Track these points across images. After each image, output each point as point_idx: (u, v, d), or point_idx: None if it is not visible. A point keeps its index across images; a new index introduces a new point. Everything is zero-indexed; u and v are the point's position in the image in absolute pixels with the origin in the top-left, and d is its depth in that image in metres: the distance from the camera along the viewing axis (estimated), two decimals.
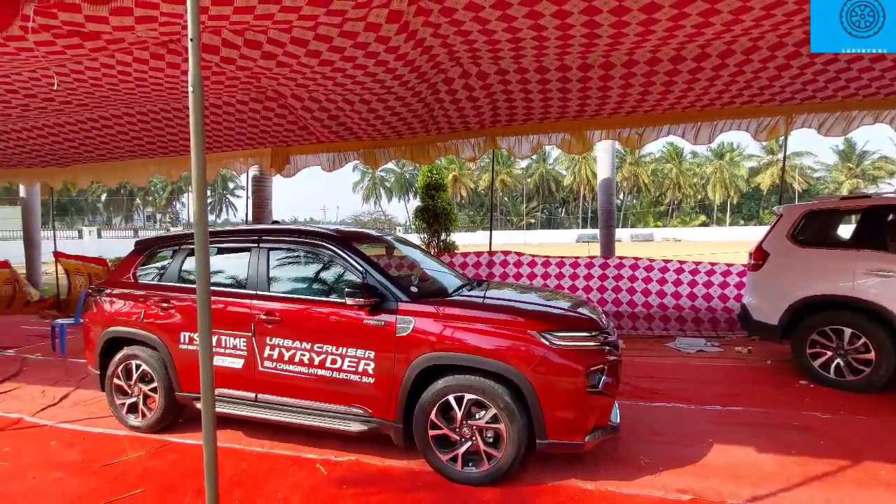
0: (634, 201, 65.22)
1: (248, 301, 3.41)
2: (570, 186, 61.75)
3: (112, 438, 3.62)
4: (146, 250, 4.11)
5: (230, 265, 3.71)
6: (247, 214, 9.43)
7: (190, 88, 1.88)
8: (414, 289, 3.24)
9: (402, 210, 67.12)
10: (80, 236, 33.82)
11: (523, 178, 63.81)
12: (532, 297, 3.56)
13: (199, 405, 3.45)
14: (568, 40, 3.93)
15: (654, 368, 5.11)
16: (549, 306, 3.27)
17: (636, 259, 7.08)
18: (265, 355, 3.31)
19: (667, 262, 6.95)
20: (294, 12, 3.27)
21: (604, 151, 8.67)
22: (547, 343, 2.78)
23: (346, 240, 3.45)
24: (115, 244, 27.66)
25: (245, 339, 3.37)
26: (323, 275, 3.55)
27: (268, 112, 5.92)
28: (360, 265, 3.24)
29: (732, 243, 29.64)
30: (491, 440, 2.86)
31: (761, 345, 5.85)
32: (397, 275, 4.23)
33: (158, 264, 4.03)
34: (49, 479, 3.03)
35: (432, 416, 2.91)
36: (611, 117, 6.07)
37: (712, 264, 6.81)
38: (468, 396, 2.85)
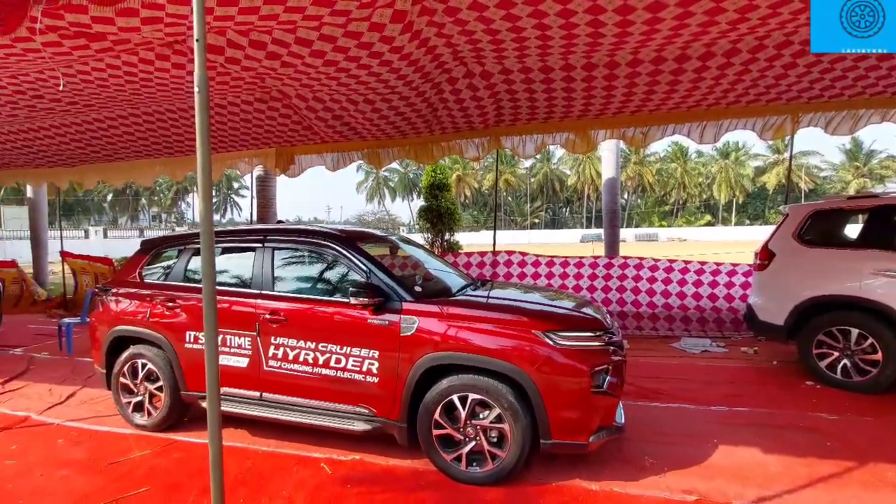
0: (639, 201, 64.99)
1: (252, 300, 3.42)
2: (574, 186, 61.62)
3: (118, 437, 3.65)
4: (152, 250, 4.13)
5: (235, 265, 3.73)
6: (251, 214, 9.46)
7: (196, 89, 1.89)
8: (418, 288, 3.24)
9: (405, 210, 67.18)
10: (87, 236, 34.05)
11: (527, 177, 63.74)
12: (536, 297, 3.55)
13: (204, 404, 3.46)
14: (572, 39, 3.92)
15: (658, 369, 5.09)
16: (554, 306, 3.26)
17: (641, 259, 7.06)
18: (270, 354, 3.32)
19: (672, 261, 6.92)
20: (298, 13, 3.28)
21: (608, 151, 8.64)
22: (551, 343, 2.77)
23: (351, 239, 3.46)
24: (120, 244, 27.82)
25: (250, 339, 3.38)
26: (327, 274, 3.56)
27: (272, 112, 5.94)
28: (365, 265, 3.24)
29: (738, 243, 29.49)
30: (495, 440, 2.86)
31: (767, 345, 5.82)
32: (401, 274, 4.23)
33: (164, 264, 4.05)
34: (56, 477, 3.05)
35: (436, 415, 2.91)
36: (615, 117, 6.05)
37: (717, 264, 6.77)
38: (472, 396, 2.84)
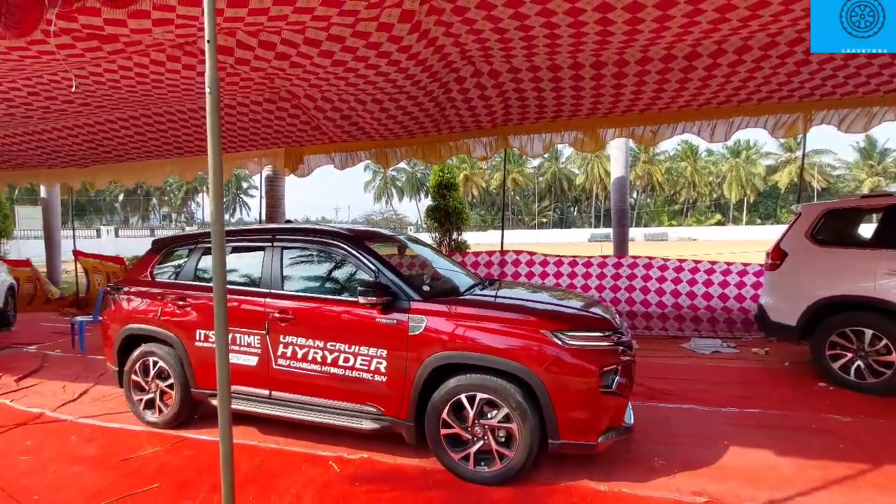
0: (648, 200, 64.52)
1: (262, 299, 3.44)
2: (582, 185, 61.33)
3: (130, 434, 3.69)
4: (163, 249, 4.17)
5: (244, 264, 3.75)
6: (260, 214, 9.53)
7: (207, 90, 1.91)
8: (426, 288, 3.24)
9: (413, 209, 67.35)
10: (99, 235, 34.50)
11: (535, 176, 63.54)
12: (544, 297, 3.54)
13: (214, 402, 3.50)
14: (581, 38, 3.90)
15: (668, 369, 5.05)
16: (562, 306, 3.25)
17: (650, 258, 7.01)
18: (279, 353, 3.34)
19: (681, 261, 6.87)
20: (307, 13, 3.30)
21: (617, 149, 8.58)
22: (560, 343, 2.76)
23: (359, 239, 3.47)
24: (131, 243, 28.15)
25: (259, 337, 3.40)
26: (336, 274, 3.57)
27: (281, 112, 5.98)
28: (373, 264, 3.25)
29: (749, 243, 29.16)
30: (503, 440, 2.86)
31: (779, 346, 5.74)
32: (409, 274, 4.24)
33: (175, 263, 4.09)
34: (69, 473, 3.10)
35: (444, 414, 2.91)
36: (624, 115, 6.01)
37: (728, 264, 6.71)
38: (480, 396, 2.84)
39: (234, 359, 3.42)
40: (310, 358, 3.25)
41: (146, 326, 3.83)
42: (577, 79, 4.91)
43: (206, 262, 3.86)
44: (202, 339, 3.59)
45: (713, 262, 6.78)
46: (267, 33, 3.71)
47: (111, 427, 3.82)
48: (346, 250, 3.38)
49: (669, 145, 69.56)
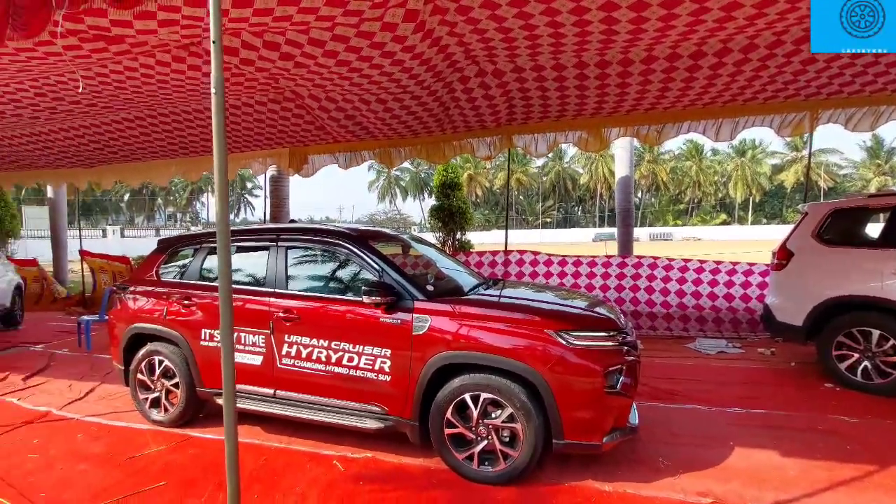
0: (653, 200, 64.27)
1: (266, 299, 3.46)
2: (586, 185, 61.17)
3: (135, 432, 3.72)
4: (168, 249, 4.20)
5: (249, 264, 3.77)
6: (265, 213, 9.56)
7: (212, 90, 1.92)
8: (430, 287, 3.24)
9: (416, 209, 67.29)
10: (104, 235, 34.74)
11: (539, 176, 63.43)
12: (548, 297, 3.53)
13: (219, 401, 3.52)
14: (586, 37, 3.89)
15: (673, 370, 5.03)
16: (567, 305, 3.24)
17: (655, 258, 6.98)
18: (283, 352, 3.35)
19: (686, 261, 6.84)
20: (312, 13, 3.31)
21: (622, 149, 8.56)
22: (564, 342, 2.75)
23: (363, 238, 3.48)
24: (137, 243, 28.36)
25: (264, 337, 3.42)
26: (340, 273, 3.58)
27: (285, 112, 5.99)
28: (377, 264, 3.26)
29: (754, 242, 29.00)
30: (507, 439, 2.85)
31: (785, 346, 5.71)
32: (413, 273, 4.24)
33: (180, 263, 4.12)
34: (76, 471, 3.12)
35: (448, 414, 2.91)
36: (629, 114, 6.00)
37: (734, 264, 6.67)
38: (484, 395, 2.84)
39: (239, 358, 3.44)
40: (314, 357, 3.26)
41: (152, 326, 3.85)
42: (582, 78, 4.89)
43: (211, 261, 3.88)
44: (207, 338, 3.61)
45: (718, 262, 6.75)
46: (271, 34, 3.72)
47: (117, 425, 3.85)
48: (350, 250, 3.39)
49: (674, 144, 69.41)
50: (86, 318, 6.54)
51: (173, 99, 5.39)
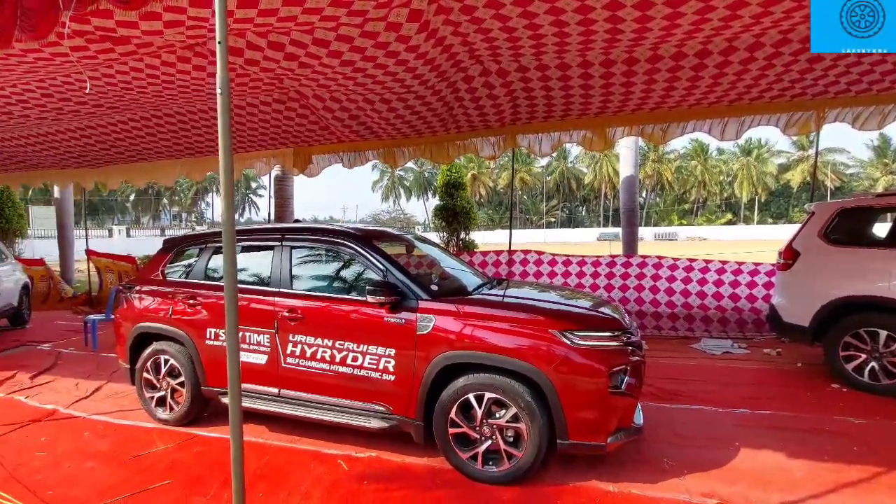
0: (657, 199, 64.01)
1: (271, 298, 3.47)
2: (590, 184, 60.99)
3: (141, 431, 3.74)
4: (174, 249, 4.22)
5: (254, 263, 3.78)
6: (269, 213, 9.59)
7: (218, 90, 1.92)
8: (434, 287, 3.24)
9: (420, 209, 67.37)
10: (110, 235, 34.96)
11: (543, 176, 63.31)
12: (553, 296, 3.53)
13: (224, 399, 3.53)
14: (590, 36, 3.88)
15: (678, 370, 5.01)
16: (571, 305, 3.24)
17: (660, 258, 6.96)
18: (288, 352, 3.36)
19: (692, 260, 6.81)
20: (316, 13, 3.31)
21: (627, 148, 8.53)
22: (568, 342, 2.75)
23: (368, 238, 3.48)
24: (143, 243, 28.51)
25: (268, 336, 3.43)
26: (344, 273, 3.59)
27: (290, 112, 6.01)
28: (381, 263, 3.26)
29: (760, 242, 28.84)
30: (511, 439, 2.85)
31: (791, 347, 5.68)
32: (417, 273, 4.24)
33: (185, 262, 4.14)
34: (82, 469, 3.14)
35: (452, 414, 2.92)
36: (634, 113, 5.97)
37: (739, 263, 6.63)
38: (488, 395, 2.84)
39: (244, 357, 3.45)
40: (318, 357, 3.27)
41: (157, 325, 3.87)
42: (587, 77, 4.88)
43: (217, 261, 3.90)
44: (212, 337, 3.63)
45: (724, 262, 6.71)
46: (276, 34, 3.73)
47: (123, 424, 3.87)
48: (354, 250, 3.39)
49: (679, 144, 69.11)
50: (92, 317, 6.59)
51: (178, 99, 5.42)
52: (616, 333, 2.87)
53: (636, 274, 6.90)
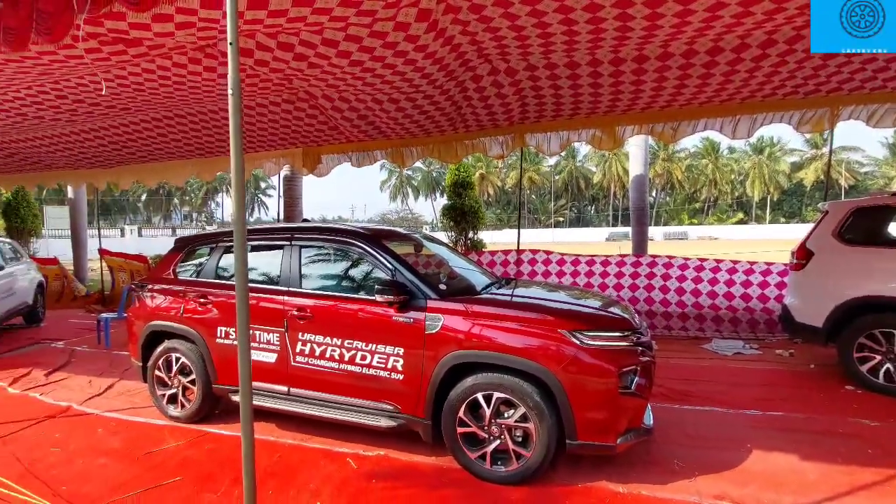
0: (667, 198, 63.46)
1: (280, 297, 3.49)
2: (599, 183, 60.62)
3: (153, 428, 3.79)
4: (185, 248, 4.26)
5: (263, 262, 3.81)
6: (278, 213, 9.66)
7: (229, 91, 1.94)
8: (442, 286, 3.24)
9: (428, 208, 67.37)
10: (122, 235, 35.41)
11: (551, 175, 63.04)
12: (562, 296, 3.51)
13: (235, 397, 3.57)
14: (600, 34, 3.86)
15: (688, 370, 4.97)
16: (580, 305, 3.22)
17: (670, 258, 6.90)
18: (297, 350, 3.38)
19: (702, 260, 6.74)
20: (325, 14, 3.33)
21: (636, 147, 8.47)
22: (578, 342, 2.74)
23: (376, 237, 3.49)
24: (154, 242, 28.85)
25: (278, 335, 3.45)
26: (353, 272, 3.60)
27: (299, 113, 6.04)
28: (390, 263, 3.27)
29: (772, 242, 28.48)
30: (520, 439, 2.85)
31: (804, 348, 5.60)
32: (426, 272, 4.25)
33: (196, 261, 4.18)
34: (95, 465, 3.19)
35: (461, 413, 2.92)
36: (644, 112, 5.92)
37: (751, 263, 6.56)
38: (497, 395, 2.83)
39: (254, 356, 3.47)
40: (328, 355, 3.28)
41: (169, 323, 3.92)
42: (596, 76, 4.85)
43: (227, 260, 3.93)
44: (223, 335, 3.66)
45: (735, 262, 6.64)
46: (286, 35, 3.75)
47: (135, 421, 3.92)
48: (363, 249, 3.40)
49: (689, 142, 68.41)
50: (105, 315, 6.68)
51: (189, 100, 5.47)
52: (626, 333, 2.85)
53: (646, 274, 6.85)
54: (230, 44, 1.92)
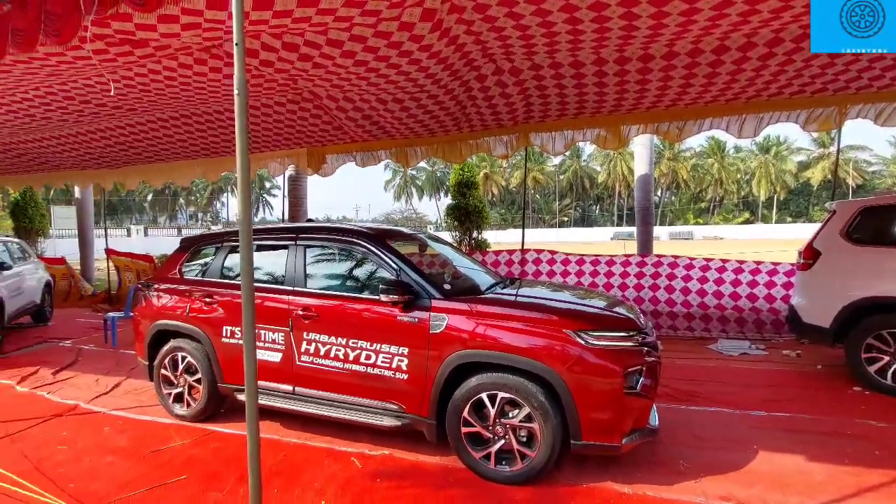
0: (673, 198, 63.15)
1: (285, 297, 3.50)
2: (604, 183, 60.43)
3: (159, 426, 3.81)
4: (191, 248, 4.29)
5: (268, 262, 3.82)
6: (283, 213, 9.69)
7: (235, 91, 1.95)
8: (447, 286, 3.24)
9: (432, 208, 67.43)
10: (129, 234, 35.61)
11: (556, 175, 62.91)
12: (566, 296, 3.51)
13: (240, 396, 3.58)
14: (605, 33, 3.84)
15: (694, 371, 4.94)
16: (585, 305, 3.21)
17: (675, 257, 6.86)
18: (302, 350, 3.39)
19: (708, 260, 6.70)
20: (330, 14, 3.34)
21: (642, 146, 8.43)
22: (583, 342, 2.73)
23: (381, 237, 3.50)
24: (160, 242, 29.02)
25: (283, 334, 3.46)
26: (357, 272, 3.61)
27: (304, 113, 6.06)
28: (394, 262, 3.27)
29: (779, 242, 28.30)
30: (524, 439, 2.84)
31: (811, 348, 5.56)
32: (430, 272, 4.25)
33: (202, 261, 4.20)
34: (102, 463, 3.21)
35: (465, 413, 2.92)
36: (649, 111, 5.90)
37: (757, 263, 6.52)
38: (501, 395, 2.83)
39: (259, 355, 3.49)
40: (332, 355, 3.29)
41: (175, 322, 3.94)
42: (601, 75, 4.83)
43: (233, 260, 3.95)
44: (228, 335, 3.68)
45: (741, 262, 6.60)
46: (291, 35, 3.77)
47: (142, 419, 3.95)
48: (367, 249, 3.41)
49: (695, 142, 68.09)
50: (112, 314, 6.73)
51: (195, 101, 5.50)
52: (631, 333, 2.84)
53: (651, 273, 6.82)
54: (236, 44, 1.93)
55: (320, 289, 3.49)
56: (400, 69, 4.41)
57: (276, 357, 3.49)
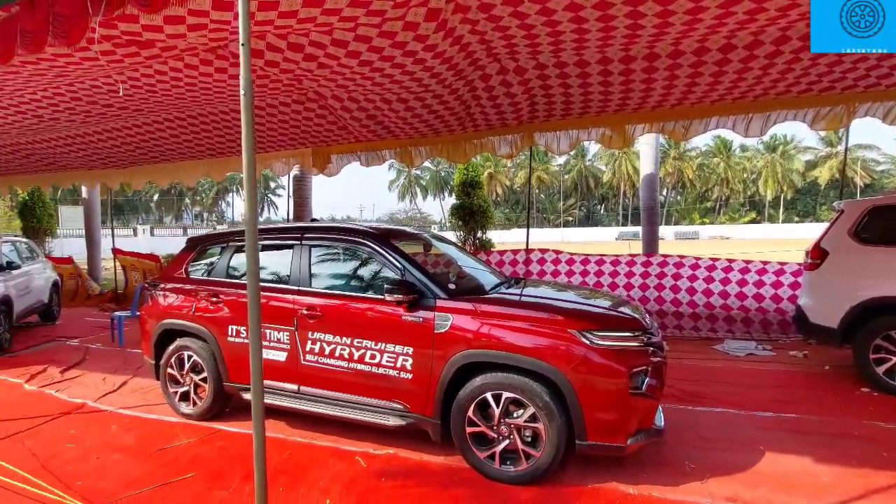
0: (678, 197, 62.83)
1: (290, 296, 3.51)
2: (609, 183, 60.21)
3: (165, 425, 3.83)
4: (197, 247, 4.31)
5: (273, 262, 3.83)
6: (288, 213, 9.72)
7: (241, 91, 1.96)
8: (451, 286, 3.25)
9: (437, 208, 67.46)
10: (135, 234, 35.84)
11: (560, 174, 62.74)
12: (571, 296, 3.50)
13: (246, 395, 3.60)
14: (610, 32, 3.83)
15: (700, 371, 4.92)
16: (590, 305, 3.20)
17: (681, 257, 6.83)
18: (307, 349, 3.41)
19: (714, 260, 6.67)
20: (335, 14, 3.34)
21: (647, 145, 8.40)
22: (588, 342, 2.72)
23: (385, 237, 3.50)
24: (166, 241, 29.18)
25: (288, 333, 3.48)
26: (362, 271, 3.62)
27: (309, 113, 6.08)
28: (399, 262, 3.28)
29: (786, 241, 28.10)
30: (529, 439, 2.84)
31: (818, 349, 5.52)
32: (435, 272, 4.25)
33: (208, 261, 4.22)
34: (110, 461, 3.24)
35: (470, 413, 2.91)
36: (654, 110, 5.87)
37: (764, 263, 6.47)
38: (506, 394, 2.83)
39: (264, 354, 3.50)
40: (337, 354, 3.30)
41: (181, 322, 3.96)
42: (606, 74, 4.82)
43: (238, 259, 3.97)
44: (234, 334, 3.69)
45: (747, 261, 6.56)
46: (296, 35, 3.78)
47: (148, 418, 3.98)
48: (372, 248, 3.42)
49: (701, 141, 67.71)
50: (118, 314, 6.78)
51: (201, 101, 5.53)
52: (636, 333, 2.83)
53: (656, 273, 6.79)
54: (242, 45, 1.93)
55: (325, 288, 3.50)
56: (404, 69, 4.41)
57: (281, 356, 3.51)
